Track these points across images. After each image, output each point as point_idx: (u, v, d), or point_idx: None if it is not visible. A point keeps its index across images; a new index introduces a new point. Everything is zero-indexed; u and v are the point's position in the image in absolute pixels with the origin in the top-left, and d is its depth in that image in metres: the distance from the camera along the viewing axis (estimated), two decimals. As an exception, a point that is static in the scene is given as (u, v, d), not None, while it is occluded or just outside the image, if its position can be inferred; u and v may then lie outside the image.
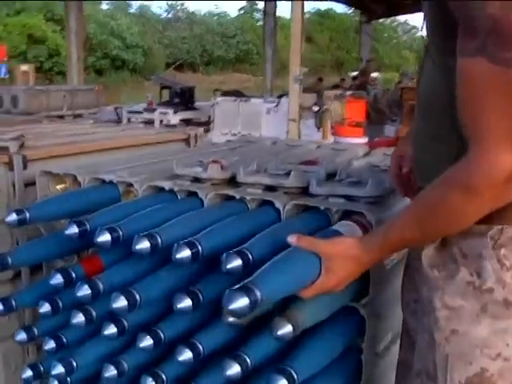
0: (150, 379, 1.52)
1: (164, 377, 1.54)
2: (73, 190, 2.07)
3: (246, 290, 1.09)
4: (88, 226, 1.63)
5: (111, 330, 1.55)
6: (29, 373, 1.86)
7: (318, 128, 9.40)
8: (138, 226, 1.58)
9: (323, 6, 41.22)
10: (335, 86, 9.04)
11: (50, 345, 1.76)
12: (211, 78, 33.17)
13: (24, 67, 18.54)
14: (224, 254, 1.30)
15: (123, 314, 1.44)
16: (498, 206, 1.05)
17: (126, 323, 1.56)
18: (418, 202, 1.17)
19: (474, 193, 1.02)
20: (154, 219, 1.64)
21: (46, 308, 1.73)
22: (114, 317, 1.55)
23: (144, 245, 1.44)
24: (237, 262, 1.28)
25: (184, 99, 11.87)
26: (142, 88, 28.48)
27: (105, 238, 1.53)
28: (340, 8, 43.19)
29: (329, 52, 40.78)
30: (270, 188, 1.85)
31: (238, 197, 1.76)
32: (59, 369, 1.64)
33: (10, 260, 1.78)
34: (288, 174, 1.85)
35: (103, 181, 2.06)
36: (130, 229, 1.57)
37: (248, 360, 1.34)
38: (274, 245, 1.34)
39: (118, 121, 11.74)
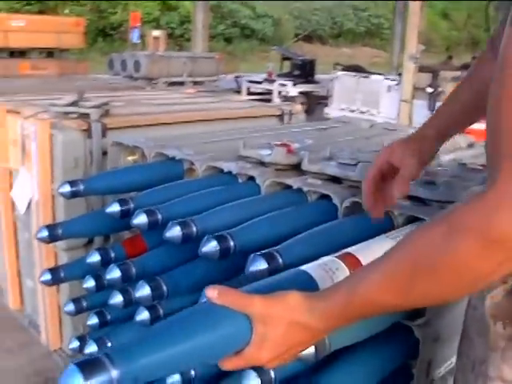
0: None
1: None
2: (136, 164, 2.01)
3: None
4: (132, 206, 1.55)
5: (144, 316, 1.47)
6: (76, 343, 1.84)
7: (432, 111, 8.90)
8: (179, 211, 1.48)
9: (464, -20, 39.12)
10: (464, 66, 8.45)
11: (94, 320, 1.72)
12: (340, 51, 32.57)
13: (156, 33, 19.04)
14: (251, 255, 1.16)
15: (147, 302, 1.35)
16: None
17: (160, 311, 1.47)
18: (407, 250, 0.77)
19: (497, 246, 0.68)
20: (199, 204, 1.53)
21: (90, 283, 1.68)
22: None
23: (175, 232, 1.33)
24: (262, 265, 1.14)
25: (304, 72, 11.71)
26: (268, 58, 28.50)
27: (141, 220, 1.44)
28: (482, -17, 40.69)
29: (465, 30, 38.73)
30: (335, 179, 1.68)
31: (295, 187, 1.61)
32: (93, 348, 1.58)
33: (60, 231, 1.74)
34: (356, 165, 1.66)
35: (168, 157, 1.98)
36: (170, 212, 1.47)
37: (272, 376, 1.20)
38: (313, 250, 1.18)
39: (238, 90, 11.81)
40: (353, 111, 10.07)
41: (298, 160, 1.79)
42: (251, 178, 1.76)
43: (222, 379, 1.36)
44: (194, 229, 1.35)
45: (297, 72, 11.77)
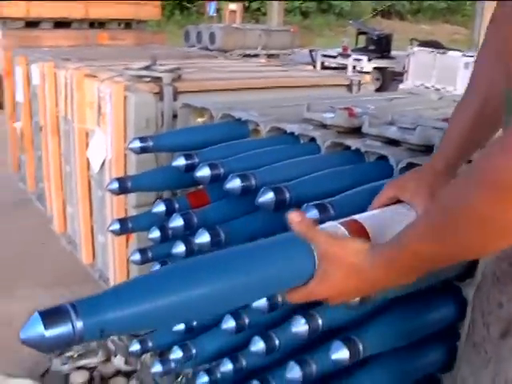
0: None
1: (277, 342, 1.48)
2: (204, 124, 2.09)
3: None
4: (196, 160, 1.63)
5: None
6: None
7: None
8: (240, 165, 1.55)
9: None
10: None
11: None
12: (418, 28, 31.72)
13: (232, 6, 19.11)
14: (304, 205, 1.22)
15: (207, 249, 1.43)
16: None
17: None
18: (441, 202, 0.79)
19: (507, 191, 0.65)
20: (261, 161, 1.59)
21: (155, 234, 1.78)
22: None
23: (235, 184, 1.40)
24: (314, 215, 1.19)
25: (380, 47, 11.53)
26: (345, 33, 28.12)
27: (204, 172, 1.52)
28: None
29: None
30: (394, 142, 1.71)
31: (353, 147, 1.65)
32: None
33: (129, 184, 1.85)
34: (415, 129, 1.68)
35: (235, 118, 2.05)
36: (232, 167, 1.54)
37: (319, 323, 1.26)
38: (365, 205, 1.22)
39: (312, 63, 11.76)
40: (427, 88, 9.86)
41: (359, 123, 1.83)
42: (312, 140, 1.80)
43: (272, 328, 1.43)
44: (254, 181, 1.42)
45: (372, 47, 11.60)
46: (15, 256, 3.97)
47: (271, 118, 1.96)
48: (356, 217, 1.01)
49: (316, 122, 1.90)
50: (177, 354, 1.62)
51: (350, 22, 14.70)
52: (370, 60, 11.35)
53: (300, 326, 1.25)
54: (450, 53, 9.74)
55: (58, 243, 3.96)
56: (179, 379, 2.29)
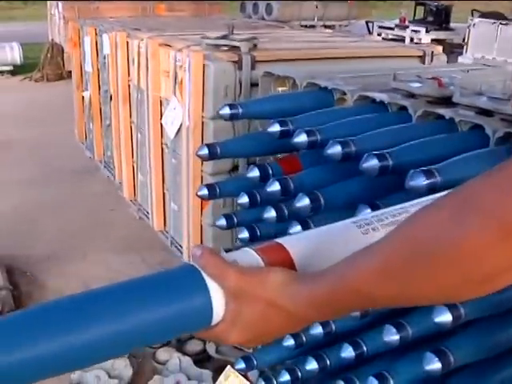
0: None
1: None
2: (290, 92, 2.11)
3: None
4: (291, 127, 1.66)
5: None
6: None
7: None
8: (336, 132, 1.57)
9: None
10: None
11: (244, 234, 1.87)
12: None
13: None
14: (411, 171, 1.24)
15: (305, 213, 1.46)
16: None
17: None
18: (407, 233, 0.62)
19: None
20: (355, 128, 1.61)
21: (244, 199, 1.82)
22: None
23: (336, 150, 1.43)
24: (422, 181, 1.21)
25: (439, 18, 11.27)
26: (400, 5, 27.49)
27: (301, 139, 1.55)
28: None
29: None
30: (486, 112, 1.70)
31: (447, 117, 1.65)
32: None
33: (218, 150, 1.89)
34: (509, 99, 1.67)
35: (320, 87, 2.06)
36: (328, 134, 1.56)
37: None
38: (469, 172, 1.24)
39: (369, 35, 11.59)
40: (487, 61, 9.61)
41: (448, 93, 1.82)
42: (401, 109, 1.81)
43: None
44: (353, 148, 1.44)
45: (431, 18, 11.35)
46: (85, 222, 4.10)
47: (358, 86, 1.97)
48: (280, 240, 0.75)
49: (403, 92, 1.90)
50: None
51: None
52: (428, 31, 11.11)
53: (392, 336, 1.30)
54: (514, 24, 9.46)
55: (126, 210, 4.07)
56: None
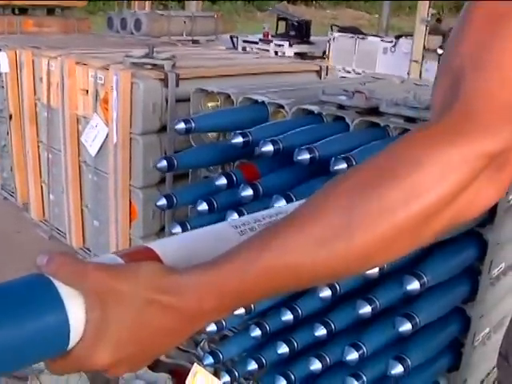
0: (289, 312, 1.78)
1: (300, 311, 1.79)
2: (229, 107, 2.31)
3: None
4: (250, 138, 1.88)
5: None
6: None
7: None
8: (296, 141, 1.81)
9: None
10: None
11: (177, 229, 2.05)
12: (324, 13, 32.58)
13: (142, -9, 18.98)
14: (333, 158, 1.52)
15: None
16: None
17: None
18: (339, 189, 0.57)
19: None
20: (308, 136, 1.86)
21: (203, 206, 2.00)
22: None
23: (305, 156, 1.66)
24: (343, 166, 1.51)
25: (300, 32, 11.91)
26: (254, 18, 28.45)
27: (268, 148, 1.76)
28: None
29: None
30: (410, 119, 2.01)
31: (382, 124, 1.94)
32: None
33: (176, 162, 2.06)
34: (428, 108, 2.00)
35: (255, 101, 2.29)
36: (289, 142, 1.80)
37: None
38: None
39: (234, 49, 11.99)
40: (348, 72, 10.34)
41: (374, 104, 2.12)
42: (336, 119, 2.08)
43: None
44: (317, 153, 1.68)
45: (292, 32, 11.98)
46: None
47: (293, 100, 2.22)
48: (150, 244, 0.63)
49: (334, 104, 2.18)
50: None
51: (270, 8, 15.01)
52: (291, 45, 11.72)
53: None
54: (370, 38, 10.27)
55: (34, 231, 4.03)
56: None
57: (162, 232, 2.97)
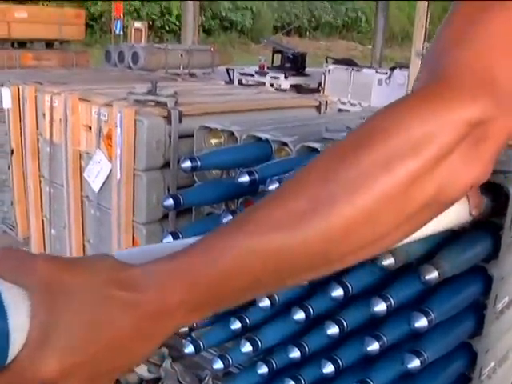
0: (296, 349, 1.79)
1: (307, 348, 1.80)
2: (233, 144, 2.35)
3: None
4: (256, 177, 1.91)
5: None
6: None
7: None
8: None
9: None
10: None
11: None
12: (318, 44, 33.06)
13: (138, 24, 19.20)
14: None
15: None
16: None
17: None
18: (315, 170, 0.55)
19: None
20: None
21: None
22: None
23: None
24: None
25: (295, 65, 12.08)
26: (248, 50, 28.82)
27: (275, 187, 1.79)
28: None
29: (440, 24, 39.44)
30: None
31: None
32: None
33: (182, 200, 2.09)
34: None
35: (259, 138, 2.33)
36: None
37: (392, 300, 1.58)
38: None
39: (229, 82, 12.13)
40: (344, 103, 10.47)
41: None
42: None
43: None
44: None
45: (288, 65, 12.15)
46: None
47: (296, 137, 2.26)
48: (116, 253, 0.56)
49: (336, 141, 2.22)
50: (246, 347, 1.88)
51: (264, 40, 15.23)
52: (286, 77, 11.87)
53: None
54: (365, 70, 10.42)
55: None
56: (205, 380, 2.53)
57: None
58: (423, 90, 0.56)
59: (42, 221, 3.88)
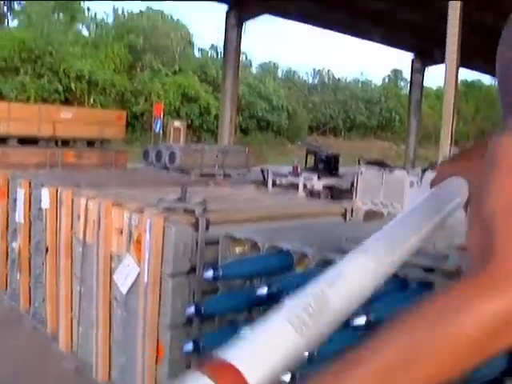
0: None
1: None
2: (256, 254, 2.42)
3: None
4: (275, 290, 1.96)
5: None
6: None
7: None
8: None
9: (470, 77, 40.94)
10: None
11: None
12: (352, 144, 33.62)
13: (177, 123, 19.94)
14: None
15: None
16: None
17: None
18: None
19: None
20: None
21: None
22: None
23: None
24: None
25: (329, 166, 12.31)
26: (284, 150, 29.49)
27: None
28: (487, 79, 42.47)
29: (474, 123, 39.97)
30: (429, 269, 2.09)
31: (400, 275, 2.02)
32: None
33: (203, 309, 2.15)
34: (446, 257, 2.08)
35: (280, 249, 2.40)
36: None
37: None
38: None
39: (264, 182, 12.38)
40: (376, 204, 10.54)
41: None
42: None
43: None
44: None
45: (321, 165, 12.38)
46: (16, 376, 4.04)
47: (316, 248, 2.33)
48: (226, 356, 0.52)
49: (356, 253, 2.28)
50: None
51: (300, 141, 15.64)
52: (319, 178, 12.07)
53: None
54: (397, 171, 10.55)
55: (60, 362, 4.07)
56: None
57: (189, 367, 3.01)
58: (483, 275, 0.58)
59: (71, 318, 3.95)
